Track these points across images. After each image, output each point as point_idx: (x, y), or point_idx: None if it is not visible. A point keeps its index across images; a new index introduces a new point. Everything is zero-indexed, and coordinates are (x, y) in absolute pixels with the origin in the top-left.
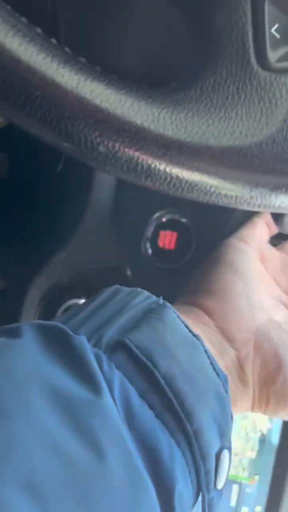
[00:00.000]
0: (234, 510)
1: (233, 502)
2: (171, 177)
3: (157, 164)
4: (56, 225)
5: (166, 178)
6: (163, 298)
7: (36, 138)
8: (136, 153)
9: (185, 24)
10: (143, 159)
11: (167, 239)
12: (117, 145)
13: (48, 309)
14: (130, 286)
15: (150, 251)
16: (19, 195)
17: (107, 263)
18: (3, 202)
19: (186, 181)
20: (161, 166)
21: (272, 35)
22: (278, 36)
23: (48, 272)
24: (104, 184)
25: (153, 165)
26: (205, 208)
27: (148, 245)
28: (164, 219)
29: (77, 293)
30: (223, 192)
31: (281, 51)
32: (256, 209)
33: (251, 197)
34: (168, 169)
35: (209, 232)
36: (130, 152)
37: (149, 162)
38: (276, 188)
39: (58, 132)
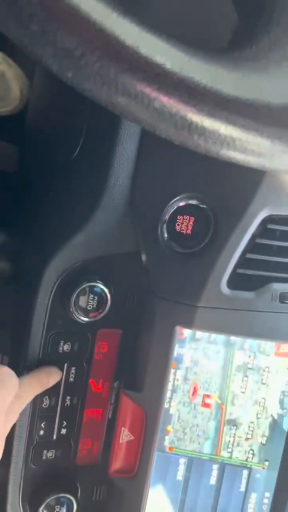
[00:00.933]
0: (243, 496)
1: (242, 488)
2: (225, 136)
3: (213, 121)
4: (73, 209)
5: (220, 137)
6: (177, 282)
7: (51, 126)
8: (193, 109)
9: None
10: (199, 116)
11: (184, 224)
12: (173, 100)
13: (63, 292)
14: (145, 270)
15: (166, 234)
16: (34, 182)
17: (123, 247)
18: (18, 190)
19: (241, 141)
20: (217, 124)
21: None
22: None
23: (65, 256)
24: (122, 169)
25: (208, 123)
26: (225, 194)
27: (165, 228)
28: (182, 204)
29: (93, 276)
30: (278, 153)
31: None
32: None
33: None
34: (223, 128)
35: (228, 217)
36: (186, 108)
37: (205, 119)
38: None
39: (115, 87)
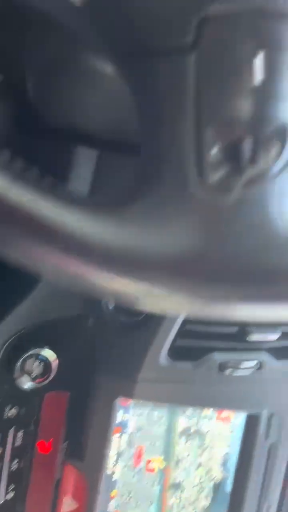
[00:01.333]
0: None
1: None
2: (115, 288)
3: (101, 275)
4: (19, 275)
5: (111, 288)
6: (119, 353)
7: None
8: (82, 266)
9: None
10: (88, 272)
11: None
12: (63, 259)
13: (10, 358)
14: (92, 336)
15: (111, 306)
16: None
17: (71, 310)
18: None
19: (130, 292)
20: (105, 277)
21: (211, 157)
22: (217, 158)
23: (11, 321)
24: None
25: (97, 277)
26: None
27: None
28: None
29: (39, 341)
30: (162, 300)
31: (219, 173)
32: (193, 314)
33: (190, 305)
34: (113, 280)
35: None
36: (76, 266)
37: (95, 274)
38: (211, 298)
39: (13, 247)
